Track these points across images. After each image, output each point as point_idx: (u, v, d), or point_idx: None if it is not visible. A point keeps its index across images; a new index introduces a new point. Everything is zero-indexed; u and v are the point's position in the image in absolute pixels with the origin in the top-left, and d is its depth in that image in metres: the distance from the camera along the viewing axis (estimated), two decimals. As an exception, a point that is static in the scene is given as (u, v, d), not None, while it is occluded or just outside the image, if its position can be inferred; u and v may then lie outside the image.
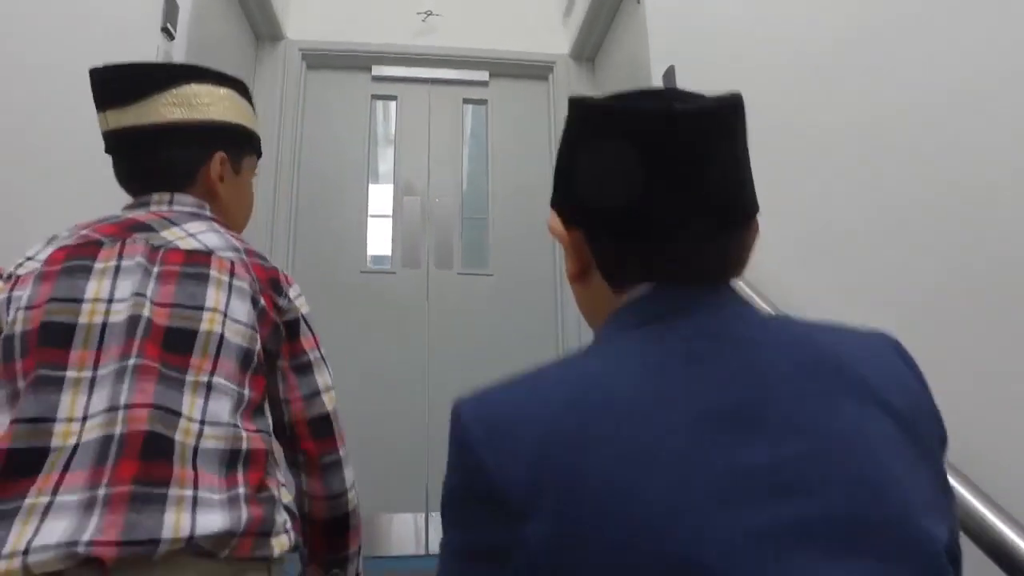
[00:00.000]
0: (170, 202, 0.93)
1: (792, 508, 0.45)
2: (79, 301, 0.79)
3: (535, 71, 3.31)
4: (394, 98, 3.26)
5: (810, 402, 0.49)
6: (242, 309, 0.85)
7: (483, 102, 3.33)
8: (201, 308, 0.81)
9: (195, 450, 0.73)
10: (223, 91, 0.99)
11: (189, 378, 0.78)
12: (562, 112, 3.39)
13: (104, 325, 0.78)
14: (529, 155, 3.24)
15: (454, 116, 3.28)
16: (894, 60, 1.14)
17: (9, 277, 0.83)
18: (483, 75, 3.30)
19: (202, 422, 0.76)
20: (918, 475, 0.49)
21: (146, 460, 0.70)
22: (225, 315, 0.82)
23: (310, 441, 0.93)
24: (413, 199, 3.15)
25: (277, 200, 2.93)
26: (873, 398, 0.51)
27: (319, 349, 0.97)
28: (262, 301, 0.88)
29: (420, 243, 3.10)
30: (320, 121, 3.16)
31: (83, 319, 0.78)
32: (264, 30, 2.95)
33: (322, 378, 0.95)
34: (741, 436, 0.47)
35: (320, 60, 3.18)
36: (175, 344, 0.79)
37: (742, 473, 0.45)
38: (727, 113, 0.57)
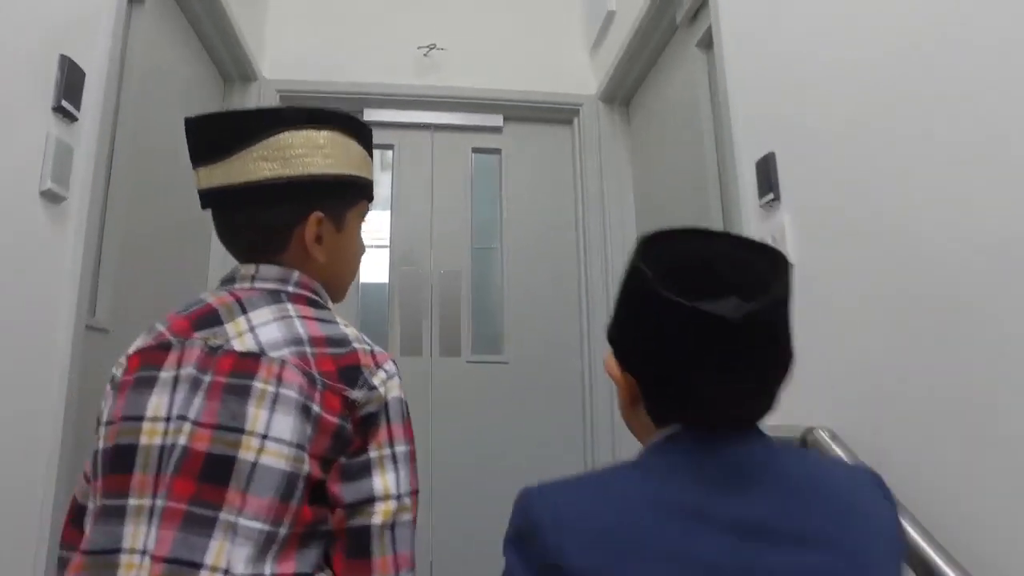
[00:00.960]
0: (253, 277, 0.86)
1: None
2: (141, 419, 0.76)
3: (558, 115, 2.80)
4: (390, 147, 2.75)
5: (818, 519, 0.62)
6: (286, 425, 0.74)
7: (496, 151, 2.82)
8: (241, 431, 0.74)
9: None
10: (324, 136, 0.87)
11: (223, 516, 0.71)
12: (590, 162, 2.91)
13: (161, 448, 0.74)
14: (551, 214, 2.73)
15: (462, 168, 2.77)
16: None
17: (112, 379, 0.83)
18: (496, 119, 2.79)
19: (226, 571, 0.69)
20: None
21: None
22: (264, 437, 0.73)
23: (340, 561, 0.76)
24: (412, 270, 2.63)
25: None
26: (865, 521, 0.63)
27: (393, 445, 0.80)
28: (317, 407, 0.76)
29: (421, 324, 2.58)
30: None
31: (144, 439, 0.75)
32: (232, 70, 2.43)
33: (381, 481, 0.77)
34: (766, 544, 0.59)
35: (301, 103, 2.66)
36: (213, 474, 0.72)
37: (768, 572, 0.59)
38: (786, 302, 0.64)
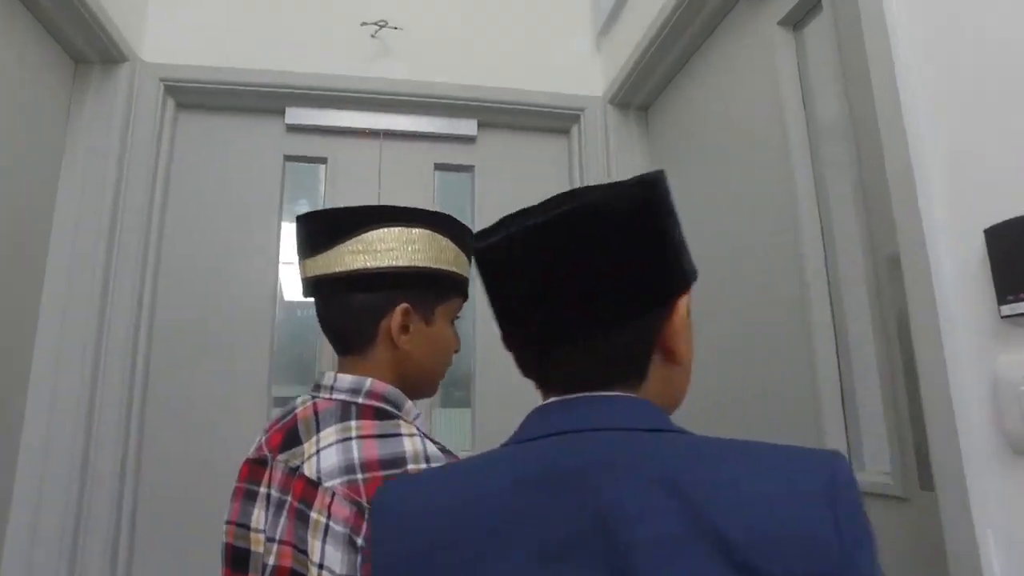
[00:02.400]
0: (332, 387, 0.89)
1: None
2: (249, 528, 0.86)
3: (551, 122, 2.10)
4: (323, 161, 2.01)
5: (645, 552, 0.48)
6: (336, 557, 0.76)
7: (467, 168, 2.10)
8: (305, 554, 0.77)
9: None
10: (416, 232, 0.91)
11: None
12: (592, 181, 2.25)
13: (263, 556, 0.83)
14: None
15: (420, 189, 2.04)
16: None
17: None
18: (468, 126, 2.07)
19: None
20: None
21: None
22: (320, 566, 0.76)
23: None
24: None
25: (111, 313, 1.68)
26: (730, 560, 0.46)
27: None
28: (361, 539, 0.75)
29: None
30: (196, 192, 1.89)
31: (255, 547, 0.84)
32: (88, 49, 1.68)
33: None
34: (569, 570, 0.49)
35: (197, 96, 1.91)
36: None
37: None
38: (568, 224, 0.56)
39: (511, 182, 2.09)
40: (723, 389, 1.46)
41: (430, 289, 0.91)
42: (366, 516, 0.72)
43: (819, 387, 1.17)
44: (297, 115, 1.97)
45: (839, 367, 1.17)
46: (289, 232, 1.99)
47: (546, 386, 0.60)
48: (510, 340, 0.61)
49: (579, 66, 2.10)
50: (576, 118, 2.07)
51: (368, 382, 0.87)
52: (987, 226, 0.72)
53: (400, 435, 0.82)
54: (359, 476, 0.78)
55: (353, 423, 0.83)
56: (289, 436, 0.87)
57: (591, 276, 0.56)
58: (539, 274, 0.57)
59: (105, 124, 1.73)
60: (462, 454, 0.79)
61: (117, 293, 1.70)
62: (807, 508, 0.48)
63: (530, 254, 0.57)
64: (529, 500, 0.52)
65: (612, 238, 0.56)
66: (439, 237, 0.92)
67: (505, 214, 0.61)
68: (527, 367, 0.62)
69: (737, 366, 1.42)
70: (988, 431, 0.73)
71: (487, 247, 0.60)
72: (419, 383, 0.92)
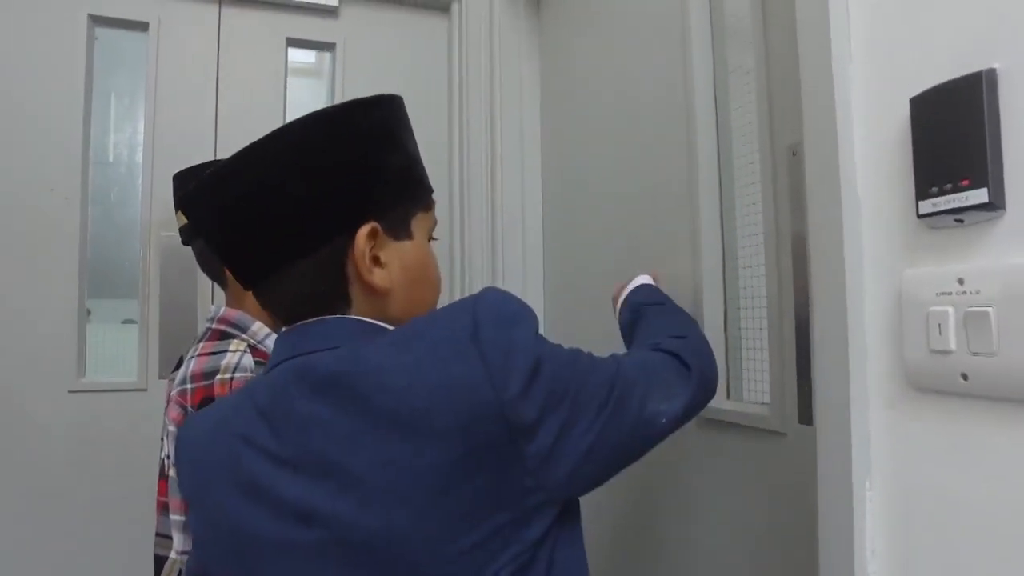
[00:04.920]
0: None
1: (312, 534, 0.55)
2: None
3: (427, -5, 1.79)
4: (143, 26, 1.63)
5: (337, 444, 0.55)
6: (170, 450, 0.92)
7: (328, 46, 1.78)
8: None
9: None
10: None
11: None
12: (477, 69, 1.90)
13: None
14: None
15: (269, 69, 1.71)
16: None
17: None
18: (328, -6, 1.74)
19: None
20: (444, 498, 0.53)
21: None
22: (168, 457, 0.94)
23: None
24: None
25: None
26: (396, 427, 0.53)
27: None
28: None
29: (196, 328, 1.59)
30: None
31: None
32: None
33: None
34: (286, 475, 0.57)
35: None
36: None
37: (282, 504, 0.57)
38: (234, 169, 0.61)
39: (380, 66, 1.79)
40: (607, 279, 1.30)
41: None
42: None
43: (701, 300, 1.01)
44: (103, -36, 1.57)
45: (724, 277, 1.02)
46: (103, 114, 1.64)
47: (277, 318, 0.66)
48: (243, 284, 0.66)
49: (460, -72, 1.78)
50: (456, -9, 1.78)
51: (221, 310, 1.02)
52: (915, 94, 0.54)
53: (225, 352, 0.95)
54: (188, 386, 0.92)
55: (200, 344, 0.98)
56: (181, 358, 1.04)
57: (258, 217, 0.61)
58: (222, 219, 0.63)
59: None
60: None
61: None
62: (455, 360, 0.54)
63: (215, 199, 0.62)
64: (253, 420, 0.60)
65: (268, 180, 0.60)
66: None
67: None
68: (261, 304, 0.66)
69: (623, 260, 1.25)
70: (885, 360, 0.59)
71: (185, 197, 0.65)
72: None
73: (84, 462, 1.51)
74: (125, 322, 1.62)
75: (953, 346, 0.51)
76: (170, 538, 0.91)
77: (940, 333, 0.52)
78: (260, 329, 1.00)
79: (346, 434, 0.54)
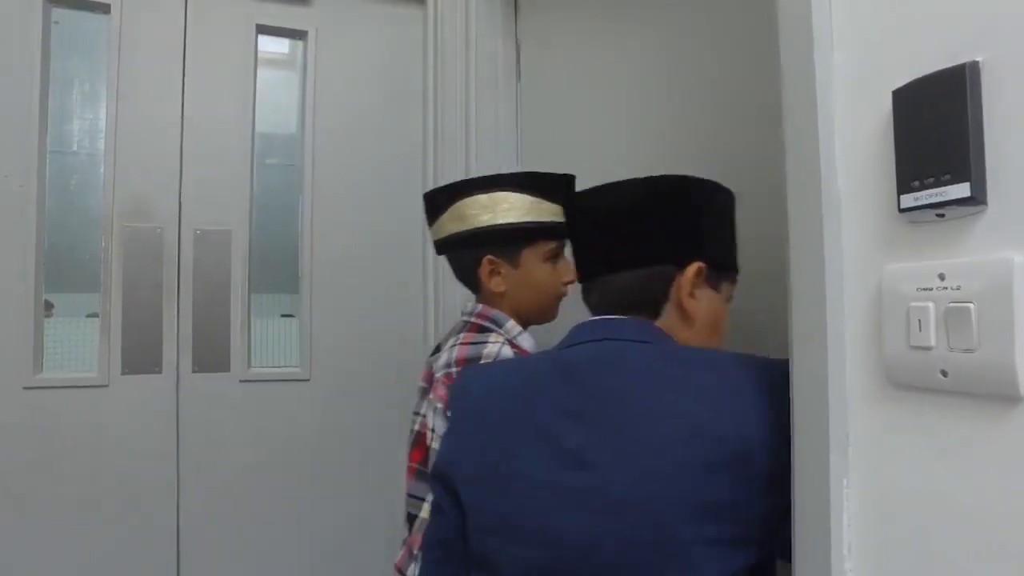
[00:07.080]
0: (463, 312, 1.18)
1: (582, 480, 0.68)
2: (417, 414, 1.18)
3: (401, -17, 1.76)
4: (105, 8, 1.57)
5: (628, 415, 0.69)
6: (438, 423, 1.03)
7: (299, 35, 1.74)
8: (426, 420, 1.11)
9: None
10: (498, 195, 1.12)
11: None
12: (453, 60, 1.82)
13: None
14: (388, 137, 1.74)
15: (238, 57, 1.67)
16: None
17: None
18: (299, -20, 1.69)
19: None
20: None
21: None
22: (432, 431, 1.05)
23: None
24: (149, 229, 1.55)
25: None
26: (690, 425, 0.66)
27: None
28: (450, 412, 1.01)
29: (162, 321, 1.54)
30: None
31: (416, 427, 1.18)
32: None
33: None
34: (574, 426, 0.71)
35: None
36: None
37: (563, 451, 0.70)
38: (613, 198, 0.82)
39: (352, 56, 1.75)
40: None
41: (511, 240, 1.13)
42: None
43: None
44: (62, -57, 1.51)
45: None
46: (64, 101, 1.57)
47: (589, 309, 0.83)
48: (578, 274, 0.85)
49: (436, -84, 1.75)
50: (432, -20, 1.74)
51: (479, 307, 1.16)
52: (898, 86, 0.53)
53: (486, 342, 1.07)
54: (453, 369, 1.05)
55: (462, 335, 1.11)
56: (439, 346, 1.20)
57: (618, 233, 0.80)
58: (589, 227, 0.83)
59: None
60: None
61: None
62: (735, 400, 0.68)
63: (590, 211, 0.83)
64: (557, 381, 0.75)
65: (637, 211, 0.80)
66: (512, 194, 1.12)
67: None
68: (584, 294, 0.84)
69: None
70: (864, 355, 0.58)
71: (575, 196, 0.89)
72: (529, 311, 1.16)
73: (42, 461, 1.45)
74: (90, 316, 1.56)
75: (933, 342, 0.50)
76: (421, 499, 1.05)
77: (920, 329, 0.51)
78: (513, 327, 1.12)
79: (642, 411, 0.67)
